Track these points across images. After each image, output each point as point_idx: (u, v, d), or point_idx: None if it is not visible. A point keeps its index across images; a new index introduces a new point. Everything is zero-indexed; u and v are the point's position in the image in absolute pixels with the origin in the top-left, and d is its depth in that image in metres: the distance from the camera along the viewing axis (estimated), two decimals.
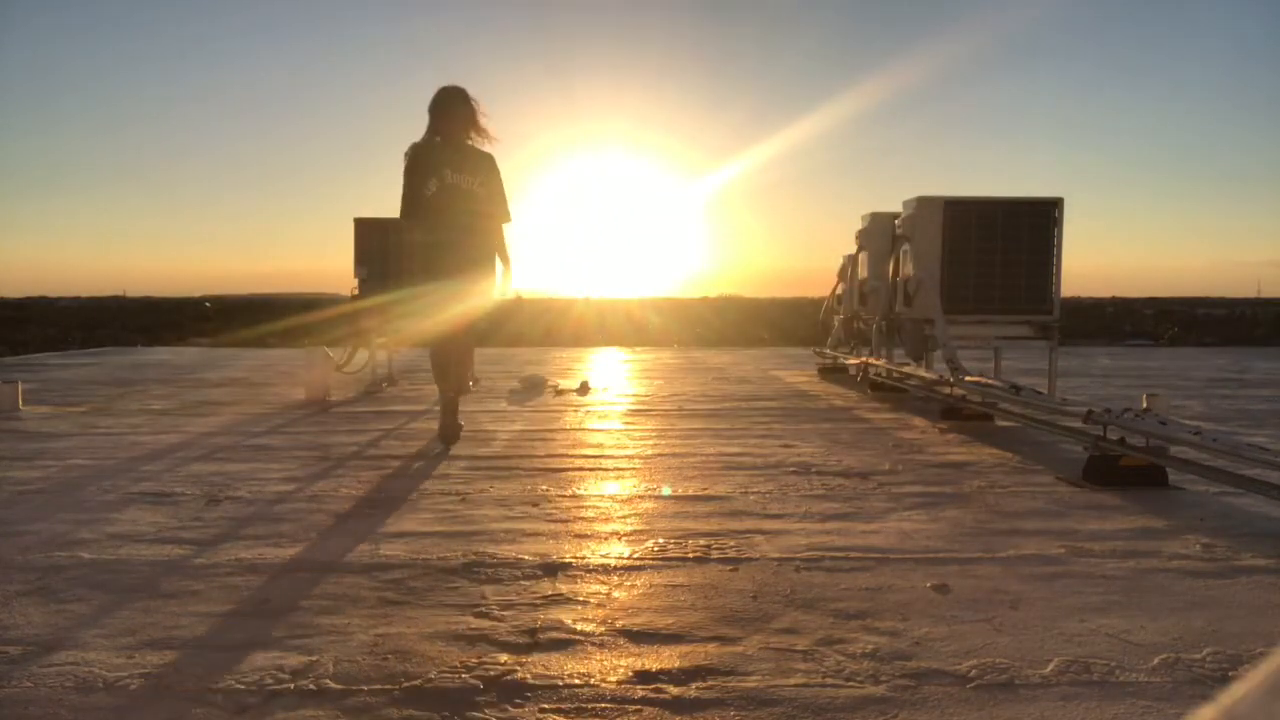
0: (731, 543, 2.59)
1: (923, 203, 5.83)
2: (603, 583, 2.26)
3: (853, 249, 7.24)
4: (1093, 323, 17.58)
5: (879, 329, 6.63)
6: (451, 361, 4.80)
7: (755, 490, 3.28)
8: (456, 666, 1.75)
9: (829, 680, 1.69)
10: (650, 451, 4.13)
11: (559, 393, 6.57)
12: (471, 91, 4.62)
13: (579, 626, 1.96)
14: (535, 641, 1.88)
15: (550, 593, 2.18)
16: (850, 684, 1.68)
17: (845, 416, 5.34)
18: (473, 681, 1.69)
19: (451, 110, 4.52)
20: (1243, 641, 1.88)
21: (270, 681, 1.68)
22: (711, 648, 1.85)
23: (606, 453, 4.10)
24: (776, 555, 2.47)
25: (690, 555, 2.48)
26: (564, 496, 3.21)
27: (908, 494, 3.24)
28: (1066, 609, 2.07)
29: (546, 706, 1.59)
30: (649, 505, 3.08)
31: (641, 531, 2.73)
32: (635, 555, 2.49)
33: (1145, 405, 4.90)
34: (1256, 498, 3.00)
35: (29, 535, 2.67)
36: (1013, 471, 3.68)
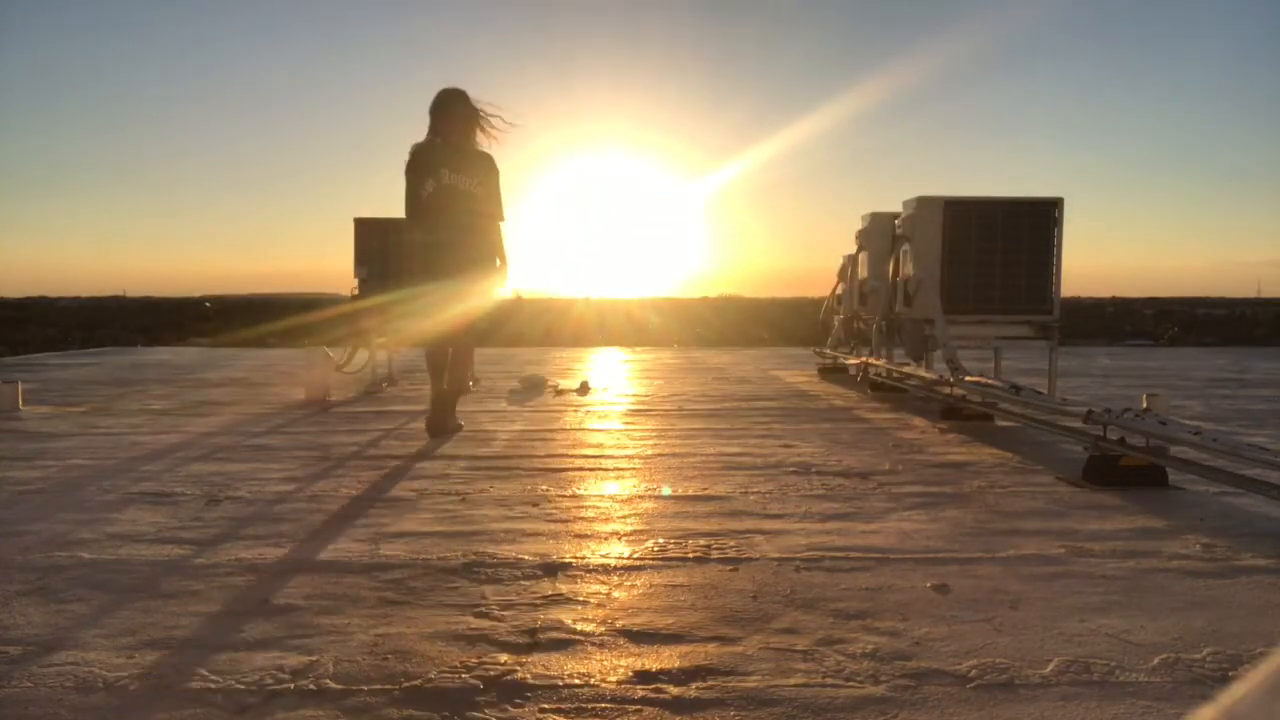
0: (731, 543, 2.59)
1: (923, 203, 5.83)
2: (603, 583, 2.26)
3: (853, 249, 7.24)
4: (1093, 323, 17.58)
5: (879, 329, 6.63)
6: (446, 361, 4.81)
7: (755, 490, 3.28)
8: (456, 666, 1.76)
9: (829, 680, 1.69)
10: (650, 451, 4.13)
11: (559, 393, 6.57)
12: (473, 92, 4.65)
13: (579, 626, 1.96)
14: (535, 641, 1.88)
15: (550, 593, 2.18)
16: (850, 684, 1.68)
17: (845, 416, 5.34)
18: (473, 681, 1.69)
19: (450, 111, 4.55)
20: (1243, 641, 1.88)
21: (270, 681, 1.68)
22: (711, 648, 1.85)
23: (606, 453, 4.10)
24: (776, 555, 2.47)
25: (690, 555, 2.48)
26: (564, 496, 3.21)
27: (908, 494, 3.24)
28: (1066, 609, 2.07)
29: (546, 706, 1.59)
30: (649, 505, 3.08)
31: (641, 531, 2.73)
32: (635, 555, 2.49)
33: (1145, 405, 4.90)
34: (1256, 498, 3.00)
35: (29, 535, 2.67)
36: (1013, 471, 3.68)
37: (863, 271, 6.96)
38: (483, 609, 2.07)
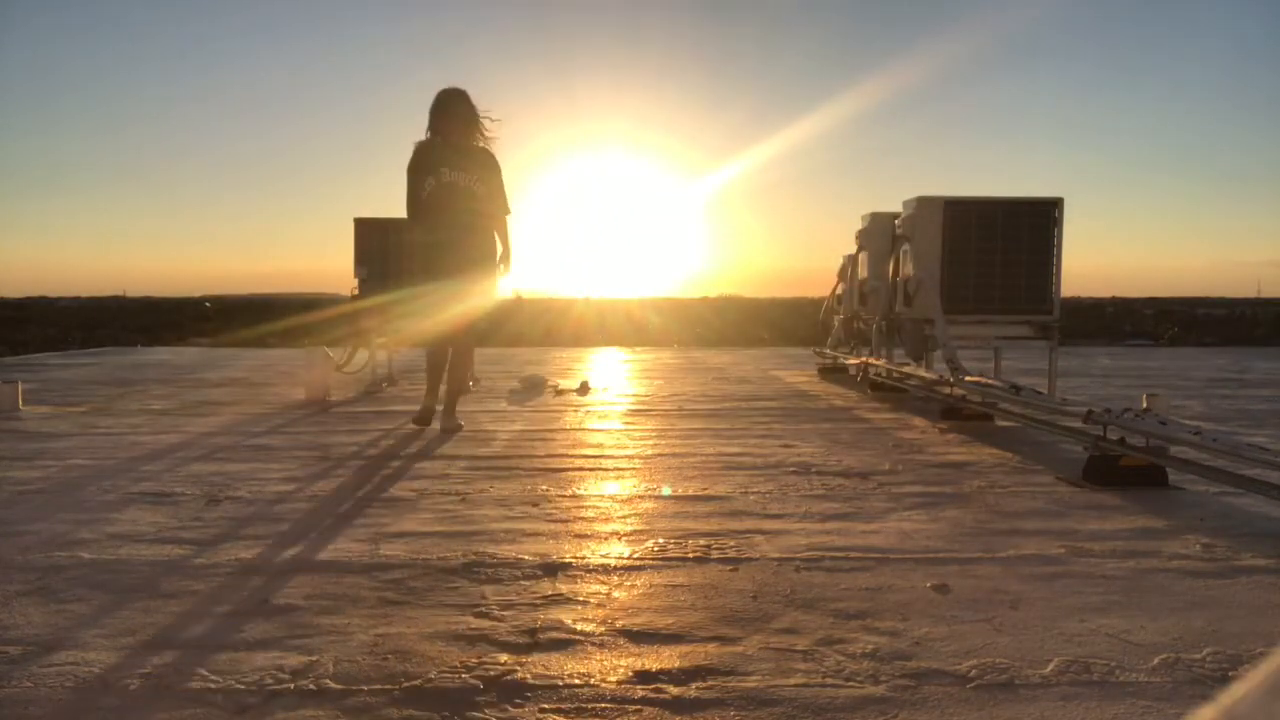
0: (731, 543, 2.59)
1: (923, 203, 5.83)
2: (603, 583, 2.26)
3: (853, 249, 7.24)
4: (1093, 323, 17.58)
5: (879, 329, 6.63)
6: (446, 360, 4.83)
7: (755, 490, 3.28)
8: (456, 666, 1.76)
9: (829, 680, 1.69)
10: (650, 451, 4.13)
11: (559, 393, 6.57)
12: (474, 94, 4.67)
13: (579, 626, 1.96)
14: (535, 641, 1.88)
15: (550, 593, 2.18)
16: (850, 684, 1.68)
17: (845, 416, 5.34)
18: (473, 681, 1.69)
19: (450, 110, 4.58)
20: (1243, 641, 1.88)
21: (270, 681, 1.68)
22: (711, 648, 1.85)
23: (606, 453, 4.10)
24: (776, 555, 2.47)
25: (690, 555, 2.48)
26: (564, 496, 3.21)
27: (908, 494, 3.24)
28: (1066, 609, 2.07)
29: (546, 706, 1.59)
30: (649, 505, 3.08)
31: (641, 531, 2.73)
32: (635, 555, 2.49)
33: (1145, 405, 4.90)
34: (1256, 498, 3.00)
35: (29, 535, 2.67)
36: (1013, 471, 3.68)
37: (863, 271, 6.96)
38: (483, 609, 2.07)
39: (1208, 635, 1.92)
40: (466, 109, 4.60)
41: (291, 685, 1.67)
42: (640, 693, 1.65)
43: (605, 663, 1.78)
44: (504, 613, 2.04)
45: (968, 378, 4.92)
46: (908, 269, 6.00)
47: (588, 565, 2.40)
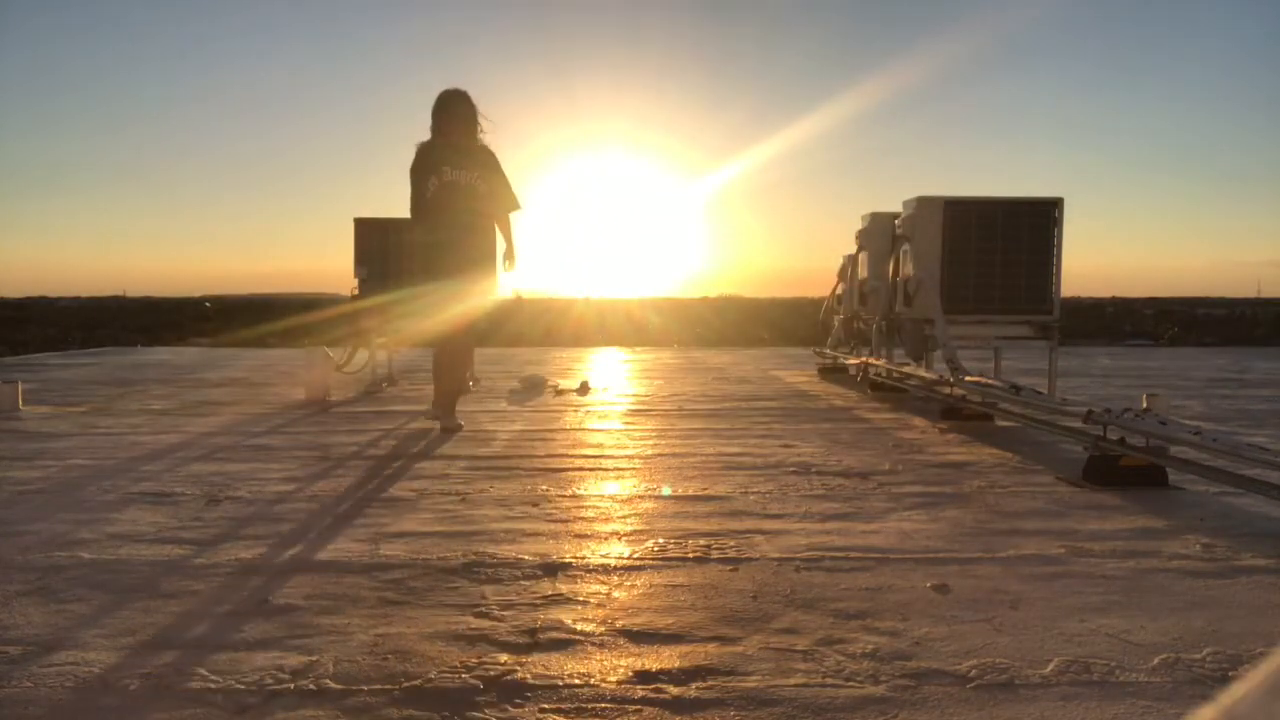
0: (731, 543, 2.59)
1: (923, 203, 5.83)
2: (603, 583, 2.26)
3: (853, 249, 7.24)
4: (1093, 323, 17.58)
5: (879, 329, 6.63)
6: (449, 361, 4.84)
7: (755, 490, 3.28)
8: (456, 666, 1.76)
9: (829, 680, 1.69)
10: (650, 451, 4.13)
11: (559, 393, 6.57)
12: (474, 95, 4.71)
13: (579, 626, 1.96)
14: (535, 641, 1.88)
15: (550, 593, 2.18)
16: (850, 684, 1.68)
17: (845, 416, 5.34)
18: (473, 681, 1.69)
19: (451, 110, 4.62)
20: (1243, 641, 1.88)
21: (270, 681, 1.68)
22: (711, 648, 1.85)
23: (606, 453, 4.10)
24: (776, 555, 2.47)
25: (690, 555, 2.48)
26: (564, 496, 3.21)
27: (908, 494, 3.24)
28: (1066, 609, 2.07)
29: (546, 706, 1.59)
30: (649, 505, 3.08)
31: (641, 531, 2.73)
32: (635, 555, 2.49)
33: (1145, 405, 4.90)
34: (1256, 498, 3.00)
35: (29, 535, 2.67)
36: (1013, 471, 3.68)
37: (863, 271, 6.96)
38: (483, 609, 2.07)
39: (1208, 635, 1.92)
40: (467, 109, 4.63)
41: (291, 685, 1.67)
42: (640, 693, 1.65)
43: (605, 663, 1.78)
44: (504, 613, 2.04)
45: (968, 378, 4.92)
46: (908, 269, 6.00)
47: (588, 565, 2.40)
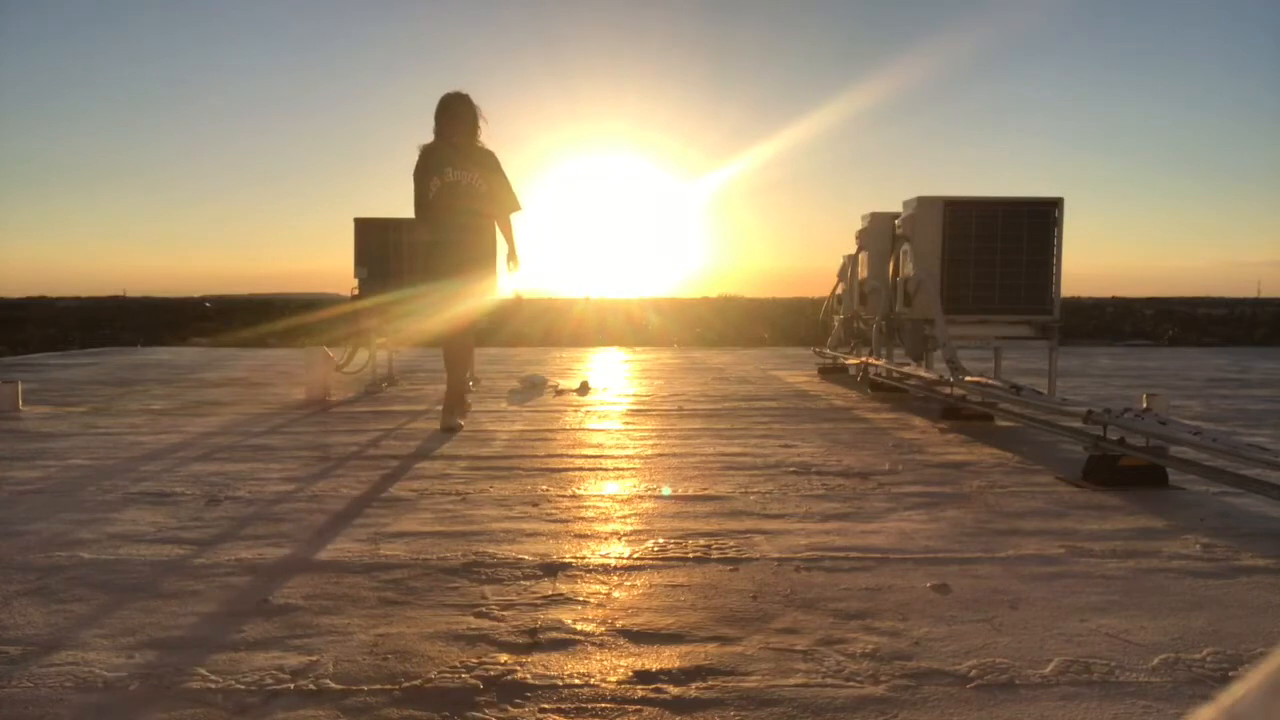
0: (731, 543, 2.59)
1: (923, 203, 5.83)
2: (603, 583, 2.26)
3: (853, 249, 7.24)
4: (1093, 323, 17.58)
5: (879, 329, 6.63)
6: (453, 360, 4.88)
7: (755, 490, 3.28)
8: (456, 666, 1.76)
9: (829, 680, 1.69)
10: (650, 451, 4.13)
11: (559, 393, 6.57)
12: (475, 95, 4.77)
13: (579, 626, 1.96)
14: (535, 641, 1.88)
15: (550, 593, 2.18)
16: (850, 684, 1.68)
17: (845, 416, 5.34)
18: (473, 681, 1.69)
19: (454, 111, 4.70)
20: (1243, 641, 1.88)
21: (270, 681, 1.68)
22: (711, 648, 1.85)
23: (606, 453, 4.10)
24: (776, 555, 2.47)
25: (690, 555, 2.48)
26: (564, 496, 3.21)
27: (908, 494, 3.24)
28: (1066, 609, 2.07)
29: (546, 706, 1.59)
30: (649, 505, 3.08)
31: (641, 531, 2.73)
32: (635, 555, 2.49)
33: (1145, 405, 4.90)
34: (1256, 498, 3.00)
35: (29, 535, 2.67)
36: (1013, 471, 3.68)
37: (863, 271, 6.96)
38: (483, 609, 2.07)
39: (1208, 635, 1.92)
40: (469, 112, 4.72)
41: (291, 685, 1.67)
42: (640, 693, 1.65)
43: (605, 663, 1.78)
44: (504, 613, 2.04)
45: (968, 378, 4.92)
46: (908, 269, 6.00)
47: (588, 565, 2.40)
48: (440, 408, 4.83)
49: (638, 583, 2.26)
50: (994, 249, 5.75)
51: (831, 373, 7.94)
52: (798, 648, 1.84)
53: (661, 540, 2.63)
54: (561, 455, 4.04)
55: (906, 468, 3.74)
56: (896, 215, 6.33)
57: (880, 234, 6.71)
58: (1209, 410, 5.68)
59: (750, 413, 5.46)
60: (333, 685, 1.67)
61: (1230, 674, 1.73)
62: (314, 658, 1.79)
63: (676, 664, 1.77)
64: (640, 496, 3.22)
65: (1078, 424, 3.76)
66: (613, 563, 2.42)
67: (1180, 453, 3.34)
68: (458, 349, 4.89)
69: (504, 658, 1.80)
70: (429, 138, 4.75)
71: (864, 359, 6.72)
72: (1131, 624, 1.98)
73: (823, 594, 2.17)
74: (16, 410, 5.42)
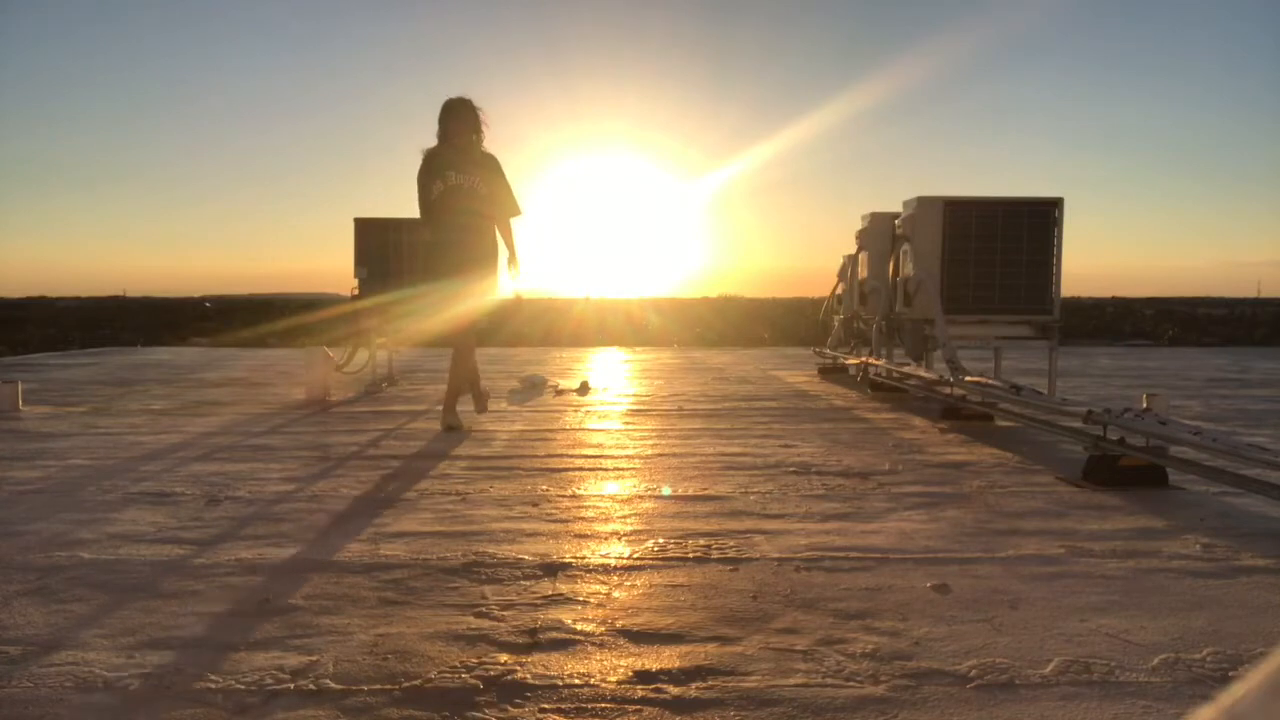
0: (731, 543, 2.59)
1: (923, 203, 5.83)
2: (603, 583, 2.26)
3: (853, 249, 7.24)
4: (1093, 323, 17.58)
5: (879, 329, 6.63)
6: (455, 359, 4.92)
7: (755, 490, 3.28)
8: (456, 666, 1.75)
9: (829, 680, 1.69)
10: (650, 451, 4.13)
11: (559, 393, 6.58)
12: (475, 96, 4.84)
13: (579, 626, 1.96)
14: (535, 641, 1.88)
15: (550, 593, 2.18)
16: (850, 684, 1.68)
17: (845, 416, 5.34)
18: (473, 681, 1.69)
19: (457, 115, 4.77)
20: (1243, 641, 1.88)
21: (270, 681, 1.68)
22: (711, 648, 1.85)
23: (606, 453, 4.10)
24: (776, 555, 2.47)
25: (690, 555, 2.48)
26: (564, 496, 3.21)
27: (908, 494, 3.24)
28: (1066, 609, 2.07)
29: (546, 706, 1.59)
30: (649, 505, 3.08)
31: (641, 531, 2.73)
32: (635, 555, 2.49)
33: (1145, 405, 4.90)
34: (1256, 498, 3.00)
35: (29, 535, 2.67)
36: (1013, 471, 3.68)
37: (863, 271, 6.96)
38: (483, 609, 2.07)
39: (1208, 635, 1.92)
40: (472, 116, 4.79)
41: (291, 685, 1.67)
42: (640, 693, 1.65)
43: (605, 663, 1.78)
44: (504, 613, 2.04)
45: (968, 378, 4.92)
46: (908, 269, 6.00)
47: (588, 565, 2.40)
48: (440, 408, 4.83)
49: (638, 583, 2.26)
50: (994, 249, 5.75)
51: (831, 373, 7.94)
52: (798, 648, 1.84)
53: (661, 540, 2.63)
54: (561, 455, 4.04)
55: (906, 468, 3.74)
56: (896, 215, 6.33)
57: (880, 234, 6.71)
58: (1209, 410, 5.68)
59: (750, 413, 5.46)
60: (333, 685, 1.67)
61: (1230, 674, 1.73)
62: (314, 658, 1.79)
63: (676, 664, 1.77)
64: (640, 496, 3.22)
65: (1078, 424, 3.76)
66: (613, 563, 2.42)
67: (1180, 453, 3.34)
68: (460, 348, 4.93)
69: (504, 658, 1.80)
70: (431, 140, 4.80)
71: (864, 359, 6.72)
72: (1131, 624, 1.98)
73: (823, 594, 2.17)
74: (16, 410, 5.43)
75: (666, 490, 3.32)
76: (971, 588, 2.22)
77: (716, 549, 2.53)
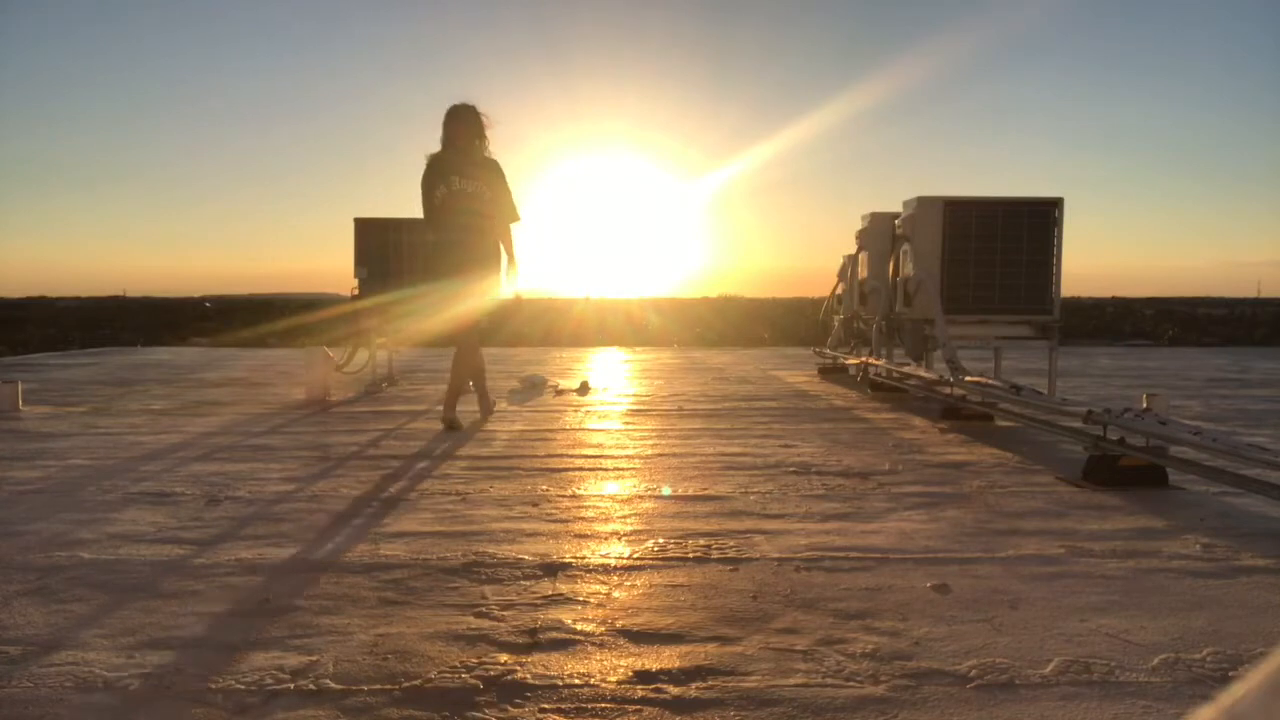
0: (731, 543, 2.59)
1: (923, 203, 5.83)
2: (603, 583, 2.26)
3: (853, 249, 7.24)
4: (1093, 323, 17.58)
5: (879, 329, 6.63)
6: (456, 358, 4.97)
7: (755, 490, 3.28)
8: (456, 666, 1.76)
9: (829, 680, 1.69)
10: (650, 451, 4.13)
11: (559, 393, 6.58)
12: (475, 96, 4.91)
13: (579, 626, 1.96)
14: (535, 641, 1.88)
15: (550, 593, 2.18)
16: (850, 684, 1.68)
17: (845, 416, 5.34)
18: (473, 681, 1.69)
19: (461, 119, 4.83)
20: (1243, 641, 1.88)
21: (270, 681, 1.68)
22: (711, 648, 1.85)
23: (606, 453, 4.10)
24: (776, 555, 2.47)
25: (690, 555, 2.48)
26: (564, 496, 3.21)
27: (908, 494, 3.24)
28: (1066, 609, 2.07)
29: (546, 706, 1.59)
30: (649, 505, 3.08)
31: (641, 531, 2.73)
32: (635, 555, 2.49)
33: (1145, 405, 4.90)
34: (1256, 498, 3.00)
35: (29, 535, 2.67)
36: (1013, 471, 3.68)
37: (863, 271, 6.96)
38: (483, 609, 2.07)
39: (1208, 635, 1.92)
40: (475, 122, 4.86)
41: (291, 685, 1.67)
42: (640, 693, 1.65)
43: (605, 663, 1.78)
44: (504, 613, 2.04)
45: (968, 378, 4.92)
46: (908, 269, 6.00)
47: (588, 565, 2.40)
48: (440, 407, 4.84)
49: (638, 583, 2.26)
50: (994, 249, 5.75)
51: (831, 373, 7.94)
52: (798, 648, 1.84)
53: (661, 540, 2.63)
54: (561, 455, 4.04)
55: (906, 468, 3.74)
56: (896, 215, 6.33)
57: (880, 234, 6.71)
58: (1209, 410, 5.68)
59: (750, 413, 5.46)
60: (333, 685, 1.67)
61: (1230, 674, 1.73)
62: (314, 658, 1.79)
63: (676, 664, 1.77)
64: (640, 496, 3.22)
65: (1078, 424, 3.75)
66: (613, 563, 2.42)
67: (1180, 453, 3.34)
68: (463, 347, 4.97)
69: (504, 658, 1.80)
70: (432, 140, 4.88)
71: (864, 359, 6.72)
72: (1131, 624, 1.98)
73: (823, 594, 2.17)
74: (16, 410, 5.43)
75: (666, 490, 3.32)
76: (971, 588, 2.22)
77: (716, 549, 2.53)
